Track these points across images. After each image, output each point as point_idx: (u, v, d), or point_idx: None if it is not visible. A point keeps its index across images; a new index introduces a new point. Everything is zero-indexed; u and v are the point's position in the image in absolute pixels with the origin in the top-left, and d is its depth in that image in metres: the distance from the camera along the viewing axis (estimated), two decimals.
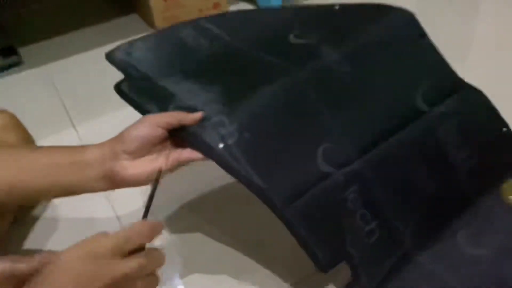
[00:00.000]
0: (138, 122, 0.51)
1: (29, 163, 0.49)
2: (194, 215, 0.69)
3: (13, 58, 1.07)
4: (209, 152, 0.51)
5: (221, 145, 0.50)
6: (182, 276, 0.61)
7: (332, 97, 0.58)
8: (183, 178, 0.61)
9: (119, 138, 0.50)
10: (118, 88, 0.57)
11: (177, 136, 0.52)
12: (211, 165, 0.51)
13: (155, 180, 0.47)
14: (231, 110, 0.53)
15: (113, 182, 0.50)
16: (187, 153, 0.51)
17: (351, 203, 0.53)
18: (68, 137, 0.86)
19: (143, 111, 0.55)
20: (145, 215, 0.43)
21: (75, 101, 0.94)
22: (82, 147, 0.51)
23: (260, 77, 0.57)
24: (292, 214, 0.49)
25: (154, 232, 0.40)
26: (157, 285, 0.40)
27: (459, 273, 0.54)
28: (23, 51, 1.11)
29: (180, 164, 0.51)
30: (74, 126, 0.87)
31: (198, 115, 0.52)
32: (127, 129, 0.50)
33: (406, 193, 0.57)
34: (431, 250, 0.56)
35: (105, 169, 0.49)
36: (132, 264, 0.38)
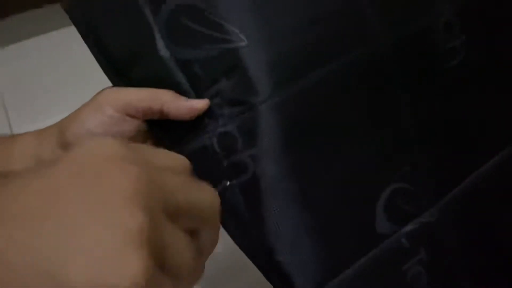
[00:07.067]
0: (89, 106, 0.32)
1: None
2: None
3: None
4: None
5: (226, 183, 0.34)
6: None
7: (419, 89, 0.39)
8: None
9: (60, 137, 0.32)
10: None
11: (159, 137, 0.35)
12: None
13: None
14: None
15: None
16: None
17: (411, 282, 0.37)
18: None
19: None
20: None
21: (18, 98, 0.83)
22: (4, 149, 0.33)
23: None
24: None
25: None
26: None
27: None
28: None
29: None
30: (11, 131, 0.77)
31: (198, 103, 0.33)
32: (71, 121, 0.32)
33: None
34: None
35: None
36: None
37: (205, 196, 0.21)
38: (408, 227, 0.38)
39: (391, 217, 0.37)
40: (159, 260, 0.17)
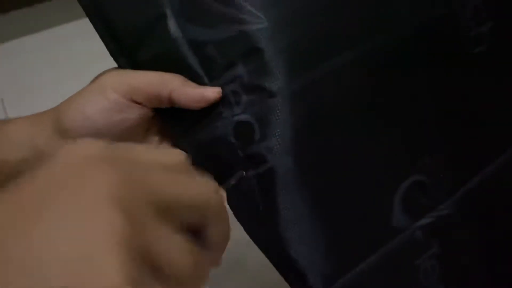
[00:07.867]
0: (91, 88, 0.29)
1: None
2: None
3: None
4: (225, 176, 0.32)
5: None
6: None
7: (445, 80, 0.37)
8: None
9: (57, 122, 0.29)
10: None
11: (167, 126, 0.33)
12: None
13: None
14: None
15: None
16: None
17: (423, 276, 0.36)
18: None
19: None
20: None
21: (17, 95, 0.81)
22: None
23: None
24: None
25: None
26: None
27: None
28: None
29: None
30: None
31: (210, 91, 0.30)
32: (69, 105, 0.29)
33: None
34: None
35: None
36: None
37: (200, 190, 0.20)
38: (423, 221, 0.36)
39: (407, 210, 0.35)
40: (148, 263, 0.16)
